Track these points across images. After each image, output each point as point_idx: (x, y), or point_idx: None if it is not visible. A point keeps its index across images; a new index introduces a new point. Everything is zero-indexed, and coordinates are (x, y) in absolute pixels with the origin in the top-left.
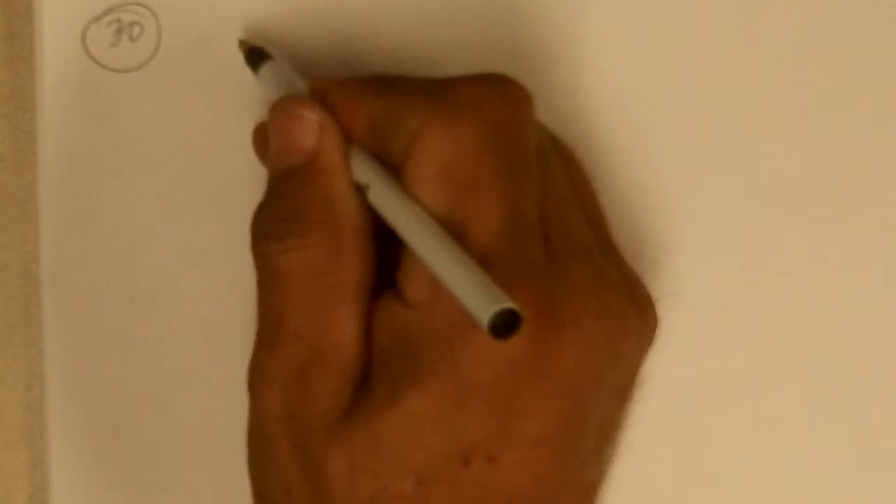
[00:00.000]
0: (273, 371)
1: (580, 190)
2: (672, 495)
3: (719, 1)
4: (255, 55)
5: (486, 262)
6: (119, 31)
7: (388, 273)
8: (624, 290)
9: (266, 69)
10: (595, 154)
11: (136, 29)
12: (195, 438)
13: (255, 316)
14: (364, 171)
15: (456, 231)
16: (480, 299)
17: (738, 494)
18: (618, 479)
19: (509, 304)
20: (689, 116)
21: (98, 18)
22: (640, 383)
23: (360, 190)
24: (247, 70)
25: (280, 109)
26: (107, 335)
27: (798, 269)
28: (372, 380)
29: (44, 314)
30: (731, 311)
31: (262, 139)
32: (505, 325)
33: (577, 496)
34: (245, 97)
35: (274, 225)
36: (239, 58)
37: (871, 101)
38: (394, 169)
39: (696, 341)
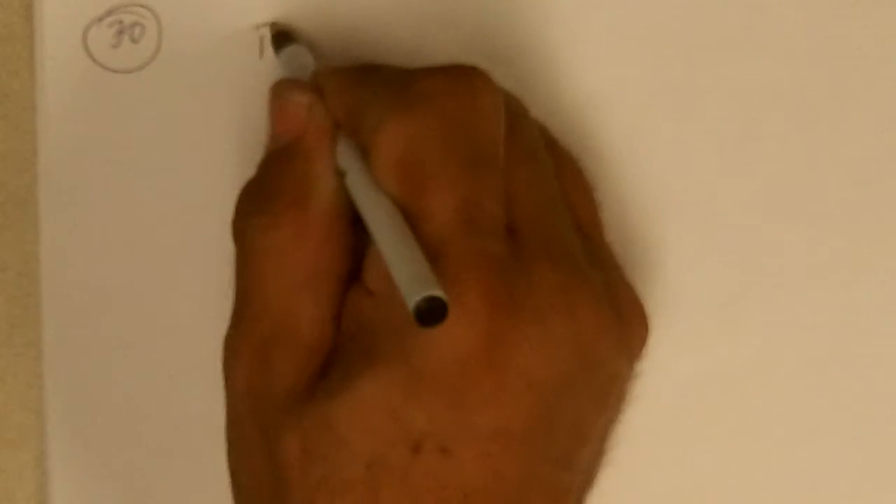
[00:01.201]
0: (239, 346)
1: (574, 195)
2: (672, 495)
3: (719, 1)
4: (281, 37)
5: (438, 252)
6: (120, 32)
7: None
8: (601, 295)
9: (286, 53)
10: (594, 154)
11: (138, 30)
12: (195, 438)
13: None
14: (344, 157)
15: (410, 221)
16: (411, 285)
17: (738, 494)
18: (618, 480)
19: (435, 291)
20: (689, 116)
21: (99, 19)
22: (629, 395)
23: (340, 176)
24: (247, 71)
25: (275, 90)
26: (106, 335)
27: (798, 269)
28: (331, 364)
29: (44, 314)
30: (731, 311)
31: None
32: (430, 312)
33: (550, 499)
34: (245, 97)
35: (252, 201)
36: (239, 58)
37: (872, 102)
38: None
39: (697, 341)
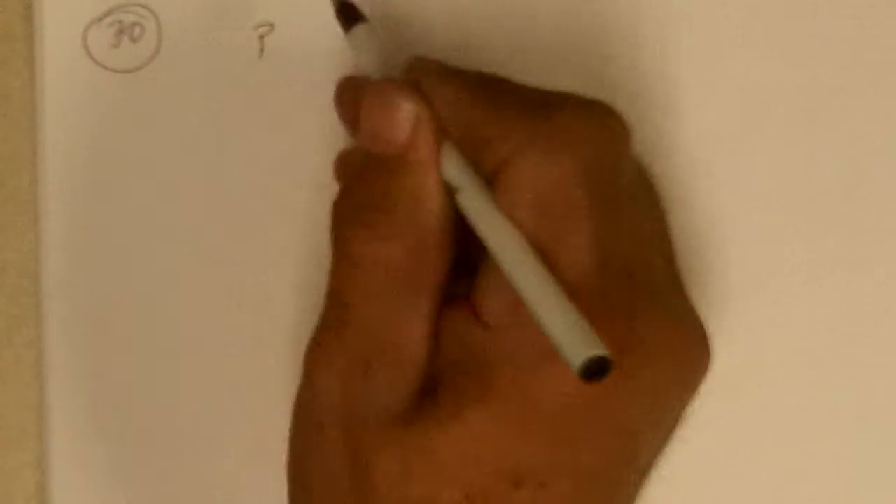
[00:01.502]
0: (334, 357)
1: (659, 223)
2: (672, 496)
3: (719, 1)
4: (347, 12)
5: (572, 296)
6: (120, 31)
7: (455, 276)
8: (695, 333)
9: (360, 30)
10: None
11: (137, 30)
12: (195, 438)
13: (311, 304)
14: (457, 172)
15: (545, 261)
16: (575, 342)
17: (737, 494)
18: None
19: (603, 351)
20: (689, 116)
21: (99, 19)
22: None
23: (449, 190)
24: (246, 70)
25: (376, 93)
26: (107, 335)
27: (798, 269)
28: (439, 390)
29: (44, 314)
30: (731, 311)
31: (344, 98)
32: (596, 370)
33: None
34: (245, 97)
35: (359, 211)
36: (239, 58)
37: (872, 101)
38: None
39: None
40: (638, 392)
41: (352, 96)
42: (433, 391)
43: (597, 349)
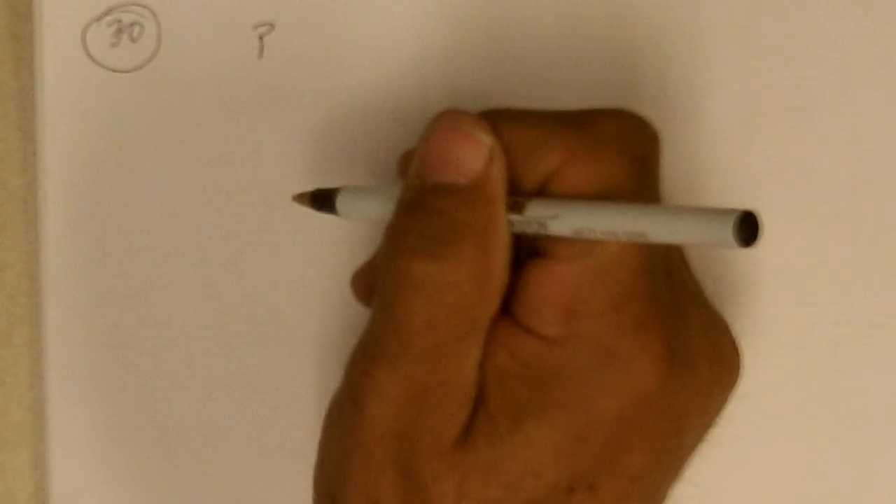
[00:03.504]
0: (389, 387)
1: None
2: (672, 496)
3: (718, 1)
4: (321, 198)
5: (627, 296)
6: (119, 31)
7: None
8: (731, 338)
9: (342, 202)
10: None
11: (137, 29)
12: (195, 438)
13: (364, 323)
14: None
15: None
16: (714, 221)
17: (738, 495)
18: None
19: (745, 208)
20: (689, 116)
21: (98, 19)
22: None
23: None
24: (246, 70)
25: (449, 122)
26: (107, 335)
27: (798, 269)
28: (491, 404)
29: (44, 314)
30: (731, 310)
31: (363, 283)
32: (749, 229)
33: None
34: (244, 97)
35: (427, 242)
36: (239, 58)
37: (872, 101)
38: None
39: None
40: (685, 391)
41: (367, 281)
42: (481, 407)
43: (735, 212)
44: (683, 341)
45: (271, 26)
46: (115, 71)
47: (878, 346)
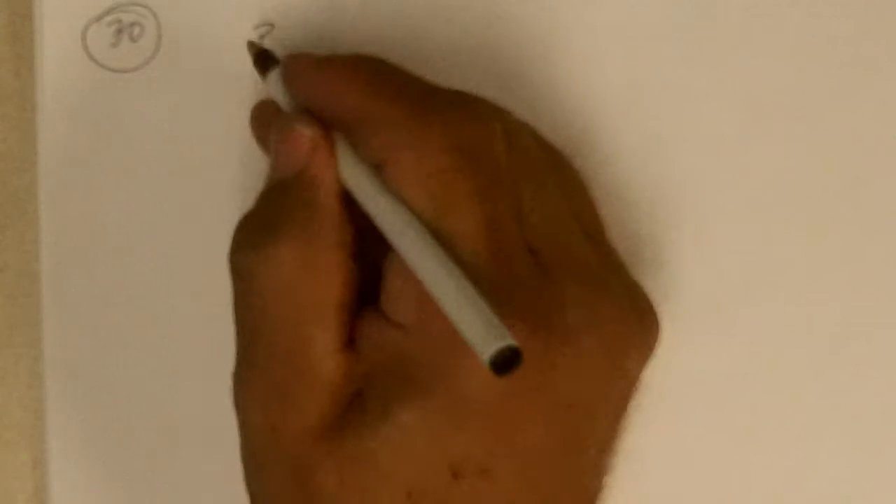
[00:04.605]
0: (255, 388)
1: (576, 200)
2: (672, 496)
3: (718, 1)
4: (263, 58)
5: (473, 280)
6: (119, 31)
7: (374, 286)
8: (624, 304)
9: (275, 75)
10: (593, 155)
11: (137, 29)
12: (195, 438)
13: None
14: (356, 176)
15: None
16: (482, 336)
17: (737, 495)
18: (618, 481)
19: (511, 342)
20: (688, 116)
21: (98, 18)
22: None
23: (353, 200)
24: (247, 70)
25: (277, 124)
26: (107, 335)
27: (798, 269)
28: (365, 394)
29: (44, 314)
30: (731, 311)
31: (260, 122)
32: (506, 361)
33: None
34: (245, 98)
35: (250, 235)
36: (239, 58)
37: (872, 101)
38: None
39: (696, 341)
40: (566, 366)
41: (265, 121)
42: (357, 399)
43: (504, 341)
44: (554, 315)
45: (271, 26)
46: (115, 71)
47: (879, 346)
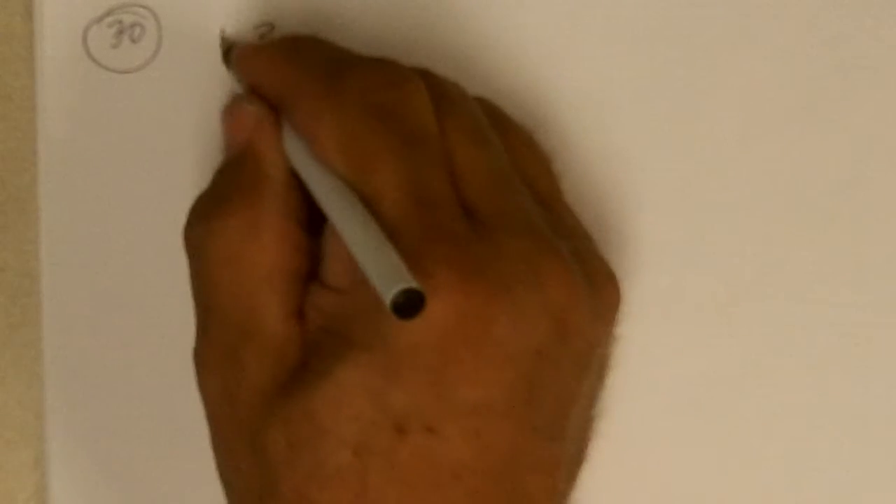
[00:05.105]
0: (208, 357)
1: (531, 169)
2: (672, 496)
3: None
4: (228, 51)
5: (395, 232)
6: (120, 32)
7: None
8: (570, 264)
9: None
10: (593, 155)
11: (137, 30)
12: (195, 438)
13: None
14: (294, 149)
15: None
16: (385, 280)
17: (737, 495)
18: (617, 480)
19: (411, 283)
20: (688, 116)
21: (99, 19)
22: (609, 362)
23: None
24: None
25: (226, 104)
26: (106, 335)
27: (798, 269)
28: (308, 357)
29: (44, 314)
30: (731, 311)
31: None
32: (408, 304)
33: (541, 471)
34: None
35: (201, 210)
36: None
37: (871, 101)
38: None
39: (696, 341)
40: (501, 317)
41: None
42: (300, 364)
43: (404, 283)
44: (486, 266)
45: (271, 26)
46: (115, 72)
47: (878, 346)
